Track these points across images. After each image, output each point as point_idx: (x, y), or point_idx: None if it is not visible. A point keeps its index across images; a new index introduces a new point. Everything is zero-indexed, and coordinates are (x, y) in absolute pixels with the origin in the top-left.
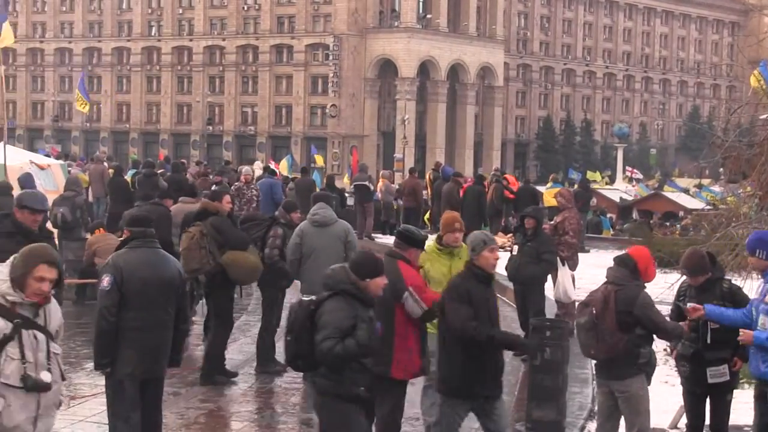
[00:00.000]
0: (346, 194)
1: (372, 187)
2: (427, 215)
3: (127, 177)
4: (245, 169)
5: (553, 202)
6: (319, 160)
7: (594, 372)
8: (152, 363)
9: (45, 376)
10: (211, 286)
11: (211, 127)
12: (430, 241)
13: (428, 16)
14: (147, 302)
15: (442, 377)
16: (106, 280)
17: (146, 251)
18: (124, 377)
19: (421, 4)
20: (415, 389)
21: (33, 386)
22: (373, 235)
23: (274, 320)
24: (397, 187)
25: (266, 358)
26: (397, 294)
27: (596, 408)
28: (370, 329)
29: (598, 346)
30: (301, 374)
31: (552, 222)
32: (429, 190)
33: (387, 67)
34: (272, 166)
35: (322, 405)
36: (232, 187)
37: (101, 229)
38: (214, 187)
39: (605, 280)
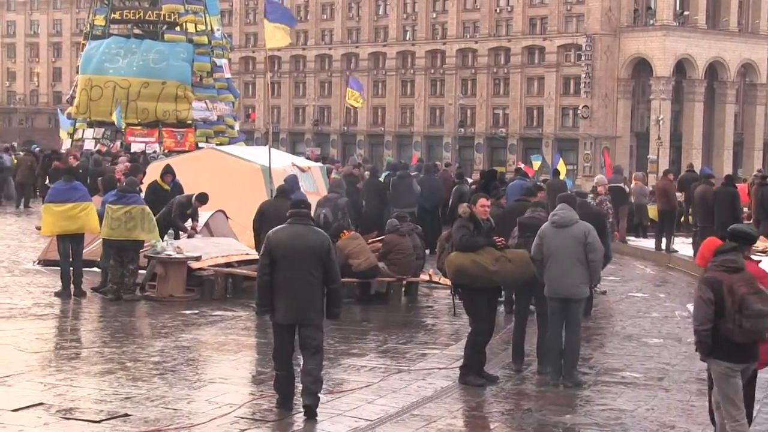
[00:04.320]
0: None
1: (627, 190)
2: (683, 217)
3: (382, 178)
4: (598, 178)
5: None
6: (561, 167)
7: None
8: (299, 311)
9: None
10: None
11: (462, 129)
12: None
13: (686, 12)
14: (292, 264)
15: None
16: (262, 248)
17: (297, 226)
18: (279, 320)
19: (677, 0)
20: None
21: None
22: (626, 237)
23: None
24: (650, 189)
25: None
26: None
27: None
28: None
29: None
30: (549, 377)
31: None
32: (683, 191)
33: (641, 67)
34: (523, 168)
35: None
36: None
37: (345, 232)
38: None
39: None
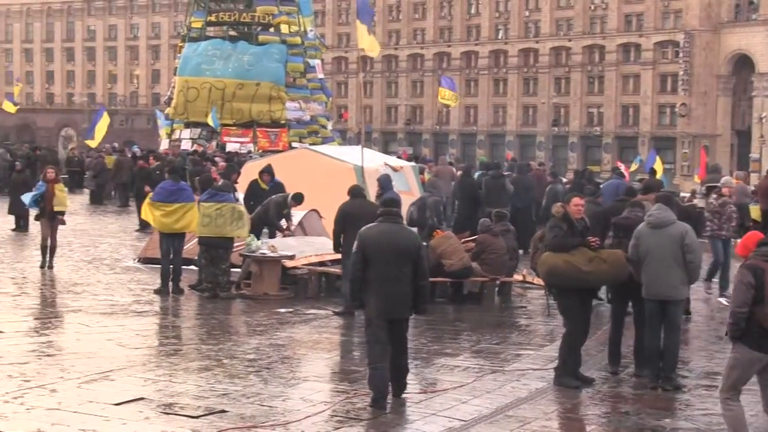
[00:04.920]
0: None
1: None
2: None
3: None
4: (725, 179)
5: None
6: (658, 166)
7: None
8: (391, 306)
9: None
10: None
11: (556, 128)
12: None
13: None
14: (384, 261)
15: None
16: (355, 245)
17: (388, 225)
18: (371, 315)
19: None
20: None
21: None
22: None
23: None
24: (752, 188)
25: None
26: None
27: None
28: None
29: None
30: (647, 380)
31: None
32: None
33: (742, 63)
34: (620, 167)
35: None
36: (706, 207)
37: (438, 231)
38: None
39: None
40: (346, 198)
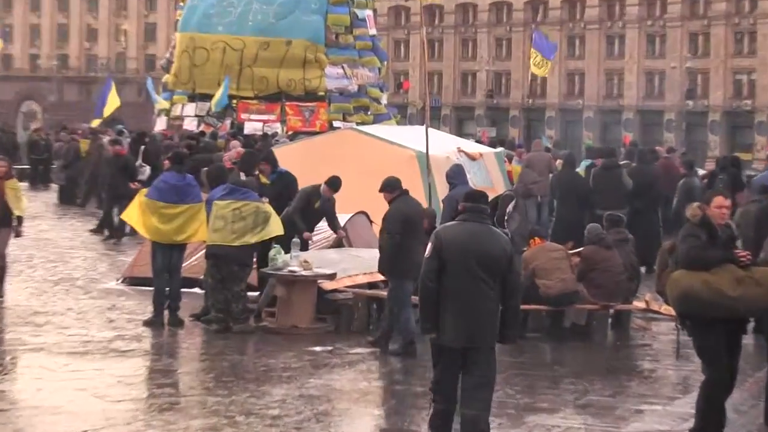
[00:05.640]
0: None
1: None
2: None
3: (580, 170)
4: None
5: None
6: None
7: None
8: (469, 330)
9: None
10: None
11: (691, 102)
12: None
13: None
14: (464, 271)
15: None
16: (428, 248)
17: (473, 225)
18: (446, 343)
19: None
20: None
21: None
22: None
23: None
24: None
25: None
26: None
27: None
28: None
29: None
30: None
31: None
32: None
33: None
34: None
35: None
36: None
37: (537, 239)
38: None
39: None
40: (395, 195)
